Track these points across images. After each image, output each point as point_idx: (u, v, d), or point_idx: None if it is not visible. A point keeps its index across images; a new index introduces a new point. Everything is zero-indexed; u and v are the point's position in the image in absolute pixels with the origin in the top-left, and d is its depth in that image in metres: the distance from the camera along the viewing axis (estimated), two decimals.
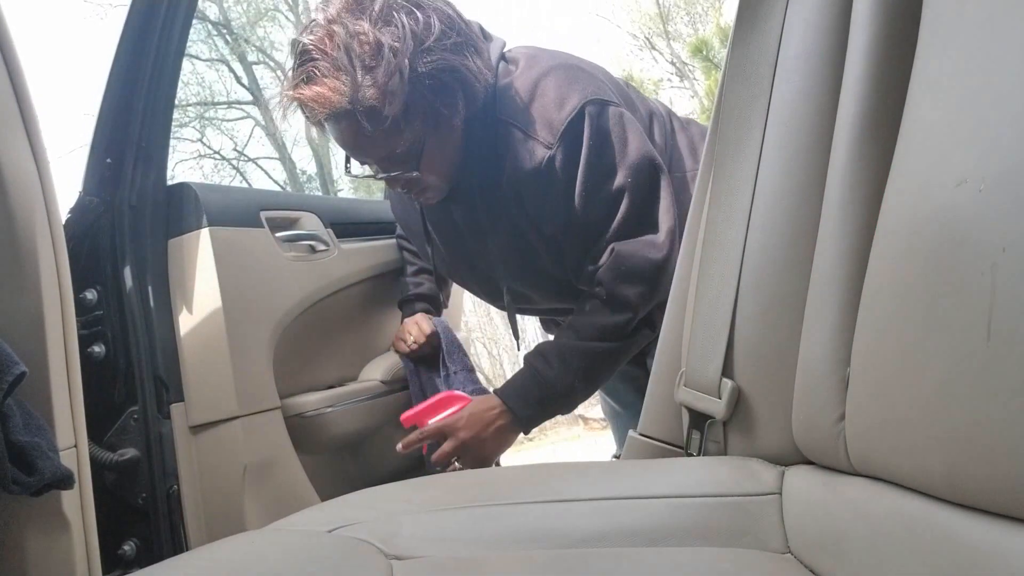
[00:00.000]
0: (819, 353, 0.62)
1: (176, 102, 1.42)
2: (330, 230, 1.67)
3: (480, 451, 1.24)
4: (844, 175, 0.62)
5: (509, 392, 1.24)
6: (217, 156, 10.09)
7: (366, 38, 1.03)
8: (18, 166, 0.97)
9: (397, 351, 1.61)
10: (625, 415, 1.68)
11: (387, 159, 1.15)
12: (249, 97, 10.30)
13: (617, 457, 1.56)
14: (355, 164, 1.22)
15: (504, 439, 1.25)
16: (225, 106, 10.24)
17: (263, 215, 1.51)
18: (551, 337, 1.37)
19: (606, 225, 1.17)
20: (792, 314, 0.67)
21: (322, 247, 1.63)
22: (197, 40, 9.28)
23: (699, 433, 0.76)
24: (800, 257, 0.67)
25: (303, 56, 1.08)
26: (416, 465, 1.84)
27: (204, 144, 9.97)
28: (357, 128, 1.09)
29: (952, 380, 0.44)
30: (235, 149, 10.31)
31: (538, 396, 1.21)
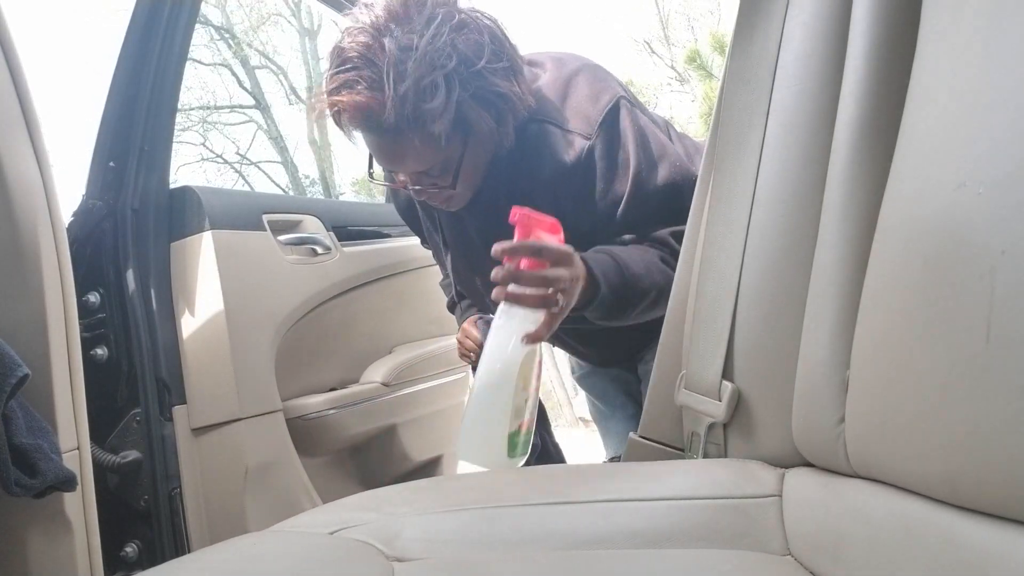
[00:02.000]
0: (819, 356, 0.62)
1: (179, 106, 1.42)
2: (332, 233, 1.67)
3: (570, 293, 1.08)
4: (844, 178, 0.62)
5: (595, 266, 1.10)
6: (219, 160, 10.10)
7: (416, 54, 1.00)
8: (21, 170, 0.98)
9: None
10: (614, 418, 1.67)
11: (423, 173, 1.13)
12: (252, 101, 10.31)
13: (613, 460, 1.55)
14: (378, 169, 1.19)
15: (576, 295, 1.09)
16: (228, 110, 10.26)
17: (265, 218, 1.51)
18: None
19: (651, 213, 1.15)
20: (792, 317, 0.67)
21: (324, 250, 1.63)
22: (200, 44, 9.27)
23: (699, 435, 0.76)
24: (800, 260, 0.67)
25: (345, 61, 1.04)
26: (419, 467, 1.84)
27: (207, 148, 9.98)
28: (395, 142, 1.06)
29: (952, 382, 0.44)
30: (237, 152, 10.32)
31: (618, 283, 1.11)
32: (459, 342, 1.43)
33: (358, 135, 1.11)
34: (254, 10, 10.42)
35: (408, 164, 1.11)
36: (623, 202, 1.13)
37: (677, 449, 0.83)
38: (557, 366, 4.16)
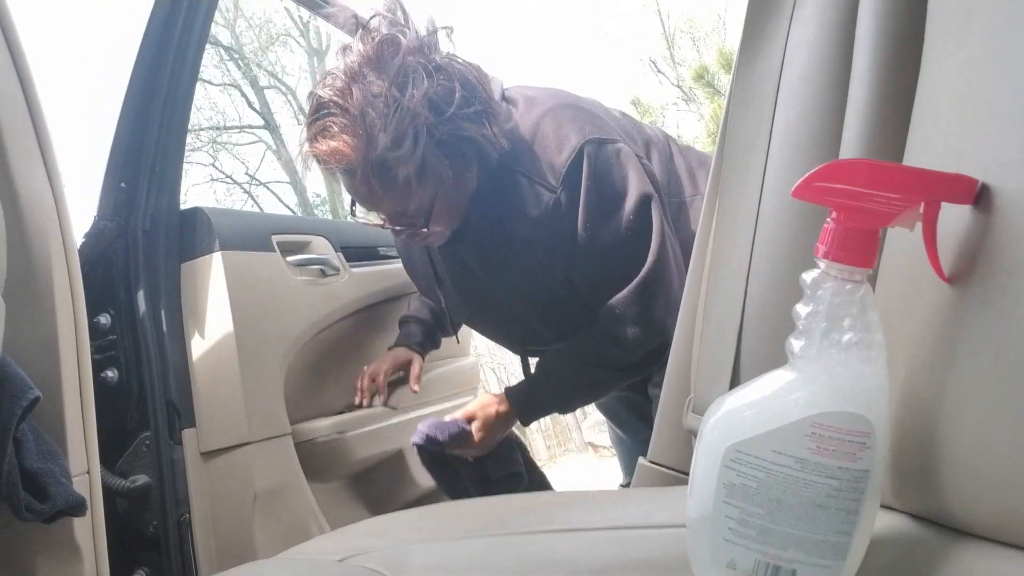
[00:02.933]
0: None
1: (189, 126, 1.44)
2: (340, 254, 1.68)
3: (487, 435, 1.33)
4: None
5: (513, 394, 1.34)
6: (229, 180, 10.18)
7: (386, 99, 1.04)
8: (34, 191, 0.99)
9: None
10: (630, 443, 1.67)
11: (398, 214, 1.17)
12: (261, 121, 10.41)
13: (625, 485, 1.55)
14: (360, 208, 1.23)
15: (502, 431, 1.36)
16: (237, 130, 10.36)
17: (275, 239, 1.52)
18: None
19: (609, 260, 1.19)
20: None
21: (332, 271, 1.64)
22: (210, 65, 9.40)
23: None
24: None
25: (320, 108, 1.08)
26: (427, 493, 1.83)
27: (216, 168, 10.07)
28: (370, 184, 1.09)
29: (962, 409, 0.44)
30: (247, 173, 10.41)
31: (539, 402, 1.34)
32: (369, 375, 1.56)
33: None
34: (263, 30, 10.56)
35: (383, 206, 1.15)
36: (583, 254, 1.18)
37: (686, 474, 0.82)
38: None
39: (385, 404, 1.60)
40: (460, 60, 1.13)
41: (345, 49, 1.09)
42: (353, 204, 1.22)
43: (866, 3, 0.66)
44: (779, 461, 0.43)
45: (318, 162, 1.10)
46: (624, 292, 1.18)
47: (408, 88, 1.04)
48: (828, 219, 0.44)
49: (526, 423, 1.38)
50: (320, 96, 1.08)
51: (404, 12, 1.11)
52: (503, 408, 1.32)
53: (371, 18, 1.09)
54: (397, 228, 1.19)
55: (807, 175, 0.43)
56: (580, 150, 1.13)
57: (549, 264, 1.21)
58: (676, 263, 1.19)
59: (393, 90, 1.04)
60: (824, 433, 0.42)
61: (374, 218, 1.25)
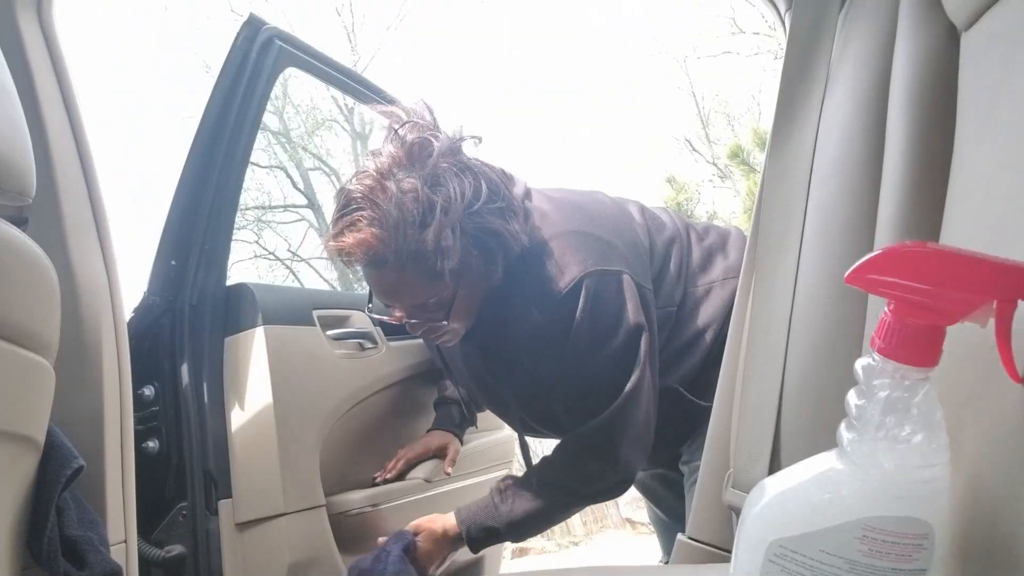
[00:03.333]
0: None
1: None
2: (378, 328, 1.70)
3: (432, 550, 1.30)
4: None
5: (462, 515, 1.31)
6: (271, 256, 10.44)
7: (418, 195, 1.07)
8: (89, 269, 1.03)
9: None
10: (668, 522, 1.63)
11: (419, 307, 1.18)
12: (304, 201, 10.74)
13: (664, 563, 1.50)
14: (377, 304, 1.25)
15: (449, 550, 1.32)
16: (281, 209, 10.69)
17: (315, 314, 1.56)
18: None
19: (586, 389, 1.22)
20: (839, 414, 0.66)
21: (371, 345, 1.66)
22: (258, 149, 9.78)
23: None
24: (845, 358, 0.66)
25: (350, 203, 1.11)
26: (462, 567, 1.79)
27: (260, 245, 10.35)
28: (396, 277, 1.12)
29: (1008, 479, 0.43)
30: (288, 250, 10.67)
31: (487, 526, 1.29)
32: (404, 459, 1.59)
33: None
34: (310, 116, 11.02)
35: (405, 299, 1.17)
36: (566, 378, 1.22)
37: (726, 551, 0.80)
38: None
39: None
40: (486, 163, 1.17)
41: (375, 152, 1.14)
42: (371, 300, 1.25)
43: (897, 86, 0.68)
44: (827, 561, 0.40)
45: (340, 257, 1.11)
46: (593, 424, 1.21)
47: (440, 185, 1.08)
48: (886, 309, 0.40)
49: (474, 549, 1.32)
50: (350, 191, 1.11)
51: (433, 117, 1.17)
52: (450, 525, 1.30)
53: (403, 124, 1.13)
54: (415, 322, 1.21)
55: (863, 262, 0.38)
56: (579, 282, 1.16)
57: (538, 377, 1.25)
58: (648, 402, 1.21)
59: (423, 184, 1.08)
60: (878, 536, 0.39)
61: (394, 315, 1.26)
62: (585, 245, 1.20)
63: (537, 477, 1.29)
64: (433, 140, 1.11)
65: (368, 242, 1.07)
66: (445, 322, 1.19)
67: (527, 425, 1.39)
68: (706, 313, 1.28)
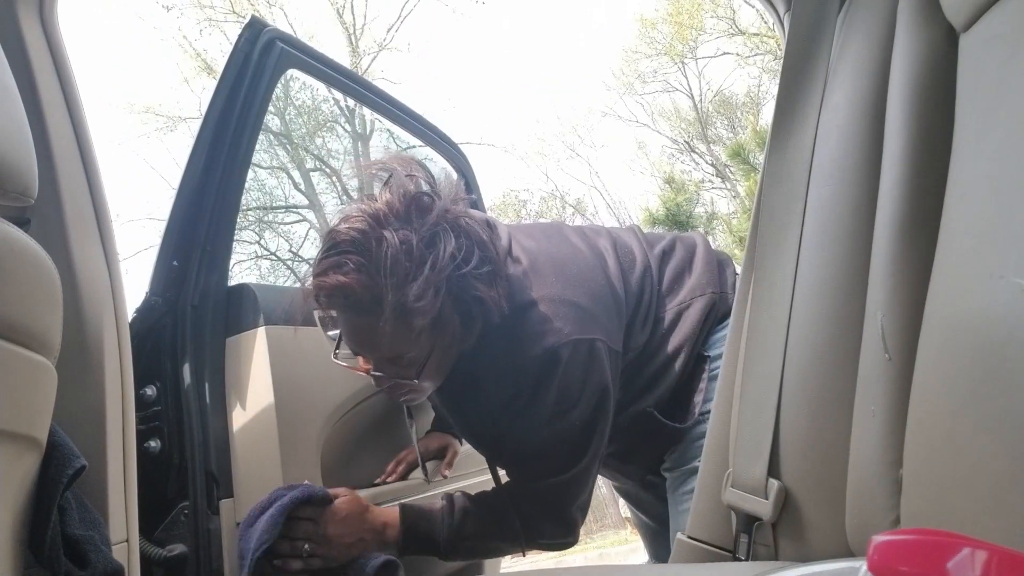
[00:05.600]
0: (870, 454, 0.60)
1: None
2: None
3: (336, 533, 1.22)
4: (887, 275, 0.63)
5: (410, 514, 1.28)
6: (273, 257, 10.46)
7: (411, 249, 1.05)
8: (91, 269, 1.04)
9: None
10: (653, 526, 1.64)
11: (390, 361, 1.17)
12: (306, 201, 10.75)
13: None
14: (343, 350, 1.23)
15: (367, 541, 1.25)
16: (283, 210, 10.70)
17: (316, 314, 1.56)
18: None
19: (544, 450, 1.23)
20: (839, 414, 0.66)
21: None
22: (260, 150, 9.81)
23: (747, 536, 0.74)
24: (844, 357, 0.67)
25: (337, 245, 1.09)
26: (463, 567, 1.79)
27: (261, 245, 10.37)
28: (373, 328, 1.09)
29: (1007, 482, 0.43)
30: (290, 250, 10.69)
31: (431, 535, 1.27)
32: (403, 460, 1.59)
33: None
34: (312, 117, 11.03)
35: (378, 350, 1.15)
36: (521, 435, 1.23)
37: (725, 550, 0.80)
38: None
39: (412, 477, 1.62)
40: (475, 217, 1.17)
41: (370, 198, 1.13)
42: (338, 346, 1.24)
43: (896, 87, 0.68)
44: None
45: (319, 294, 1.10)
46: (550, 483, 1.23)
47: (434, 243, 1.08)
48: None
49: (402, 551, 1.27)
50: (340, 233, 1.09)
51: (430, 175, 1.16)
52: (389, 517, 1.26)
53: (405, 176, 1.13)
54: (379, 375, 1.19)
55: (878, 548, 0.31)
56: (553, 353, 1.15)
57: (496, 431, 1.27)
58: (597, 469, 1.25)
59: (418, 240, 1.07)
60: None
61: (356, 363, 1.26)
62: (560, 314, 1.18)
63: (489, 509, 1.29)
64: (435, 199, 1.11)
65: (351, 287, 1.06)
66: (414, 381, 1.17)
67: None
68: (676, 336, 1.28)
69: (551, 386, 1.16)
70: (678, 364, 1.27)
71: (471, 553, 1.37)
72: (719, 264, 1.37)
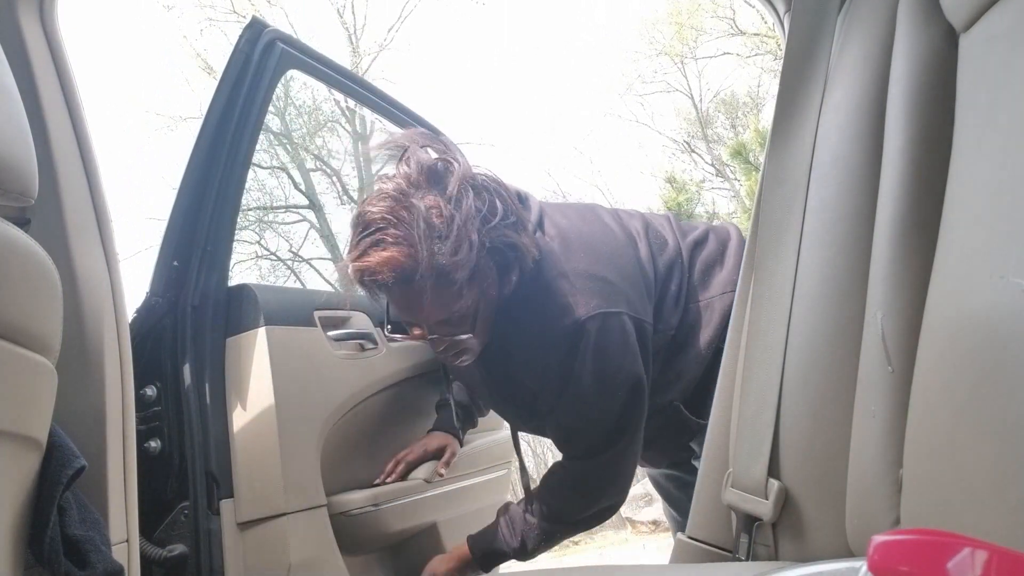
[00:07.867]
0: (870, 454, 0.60)
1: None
2: (379, 329, 1.70)
3: None
4: (887, 274, 0.63)
5: (477, 541, 1.44)
6: (273, 257, 10.46)
7: (440, 210, 1.10)
8: (91, 269, 1.04)
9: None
10: (682, 522, 1.65)
11: (444, 322, 1.20)
12: (306, 202, 10.75)
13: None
14: (395, 327, 1.29)
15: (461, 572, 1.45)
16: (283, 210, 10.70)
17: (316, 315, 1.56)
18: None
19: (582, 427, 1.28)
20: (839, 414, 0.66)
21: (371, 345, 1.66)
22: (260, 150, 9.81)
23: (747, 536, 0.74)
24: (844, 356, 0.67)
25: (370, 224, 1.12)
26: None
27: (261, 246, 10.36)
28: (422, 293, 1.12)
29: (1007, 482, 0.43)
30: (290, 250, 10.69)
31: (496, 551, 1.42)
32: (402, 460, 1.63)
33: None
34: (312, 117, 11.03)
35: (431, 314, 1.18)
36: (561, 410, 1.28)
37: (725, 550, 0.80)
38: None
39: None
40: (490, 175, 1.21)
41: (387, 176, 1.17)
42: (388, 322, 1.28)
43: (896, 87, 0.68)
44: None
45: (364, 276, 1.12)
46: (593, 462, 1.30)
47: (459, 202, 1.12)
48: None
49: (487, 568, 1.42)
50: (370, 212, 1.12)
51: (447, 144, 1.21)
52: (463, 554, 1.43)
53: (422, 147, 1.17)
54: (435, 337, 1.23)
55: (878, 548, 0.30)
56: (582, 324, 1.19)
57: (537, 403, 1.32)
58: (638, 453, 1.31)
59: (446, 201, 1.11)
60: None
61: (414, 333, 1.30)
62: (589, 288, 1.22)
63: (538, 509, 1.38)
64: (454, 162, 1.15)
65: (396, 259, 1.09)
66: (467, 335, 1.21)
67: (520, 428, 1.48)
68: (706, 330, 1.30)
69: (583, 360, 1.20)
70: (705, 358, 1.29)
71: (538, 548, 1.44)
72: None
